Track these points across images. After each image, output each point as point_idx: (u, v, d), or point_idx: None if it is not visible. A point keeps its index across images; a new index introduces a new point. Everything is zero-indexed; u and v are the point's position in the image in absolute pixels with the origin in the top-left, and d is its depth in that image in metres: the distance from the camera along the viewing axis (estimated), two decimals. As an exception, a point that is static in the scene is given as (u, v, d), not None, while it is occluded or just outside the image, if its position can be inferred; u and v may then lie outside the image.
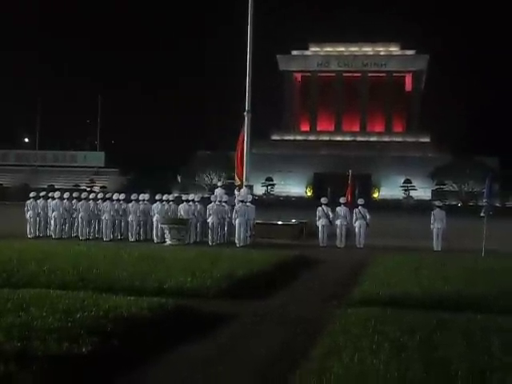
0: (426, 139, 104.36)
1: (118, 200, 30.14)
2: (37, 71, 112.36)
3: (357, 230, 29.17)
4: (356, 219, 29.20)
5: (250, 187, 34.28)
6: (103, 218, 29.63)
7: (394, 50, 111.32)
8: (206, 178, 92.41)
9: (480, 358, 8.49)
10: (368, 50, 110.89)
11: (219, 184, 35.01)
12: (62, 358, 8.06)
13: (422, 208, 60.56)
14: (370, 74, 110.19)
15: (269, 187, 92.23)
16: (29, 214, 30.02)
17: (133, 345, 9.55)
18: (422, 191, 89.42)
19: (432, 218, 28.45)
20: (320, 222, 29.51)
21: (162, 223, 28.28)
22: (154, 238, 28.90)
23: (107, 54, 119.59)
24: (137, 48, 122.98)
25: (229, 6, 66.24)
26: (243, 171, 32.23)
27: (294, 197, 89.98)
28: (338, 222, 29.30)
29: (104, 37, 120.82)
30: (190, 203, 29.34)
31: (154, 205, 29.62)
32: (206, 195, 39.06)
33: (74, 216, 30.14)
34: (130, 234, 29.45)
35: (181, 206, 29.26)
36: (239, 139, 32.85)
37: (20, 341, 8.33)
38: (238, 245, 27.42)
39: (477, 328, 10.22)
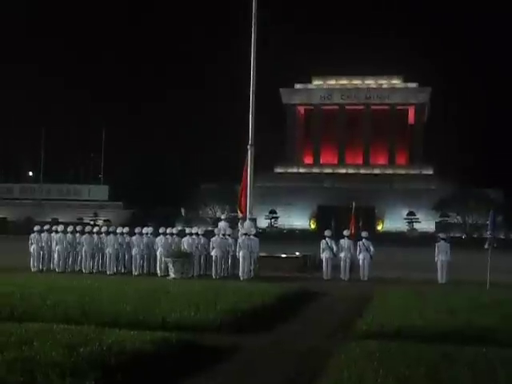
0: (430, 171, 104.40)
1: (122, 233, 30.13)
2: (41, 105, 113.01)
3: (361, 262, 29.07)
4: (360, 252, 29.12)
5: (254, 220, 34.18)
6: (107, 251, 29.59)
7: (397, 82, 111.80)
8: (210, 211, 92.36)
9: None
10: (371, 82, 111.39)
11: (223, 217, 34.94)
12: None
13: (427, 240, 60.45)
14: (372, 107, 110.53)
15: (272, 220, 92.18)
16: (32, 248, 30.01)
17: (136, 379, 9.49)
18: (426, 223, 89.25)
19: (436, 250, 28.36)
20: (324, 255, 29.42)
21: (165, 256, 28.23)
22: (158, 271, 28.81)
23: (110, 88, 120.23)
24: (141, 82, 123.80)
25: (232, 39, 66.72)
26: (246, 204, 32.21)
27: (297, 229, 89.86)
28: (341, 255, 29.21)
29: (108, 69, 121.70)
30: (194, 236, 29.30)
31: (158, 238, 29.58)
32: (210, 228, 38.99)
33: (78, 249, 30.10)
34: (133, 268, 29.38)
35: (184, 239, 29.22)
36: (243, 172, 32.88)
37: (23, 375, 8.30)
38: (241, 278, 27.33)
39: (483, 361, 10.15)
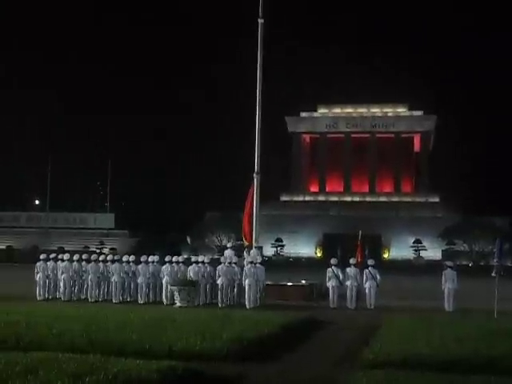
0: (436, 199, 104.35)
1: (128, 262, 30.13)
2: (46, 134, 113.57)
3: (367, 290, 28.98)
4: (366, 280, 29.03)
5: (260, 248, 34.17)
6: (112, 279, 29.56)
7: (402, 110, 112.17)
8: (216, 240, 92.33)
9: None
10: (376, 111, 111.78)
11: (229, 245, 34.93)
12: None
13: (433, 268, 60.25)
14: (378, 135, 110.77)
15: (278, 248, 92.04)
16: (38, 276, 30.00)
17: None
18: (432, 251, 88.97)
19: (443, 278, 28.26)
20: (330, 283, 29.33)
21: (171, 285, 28.18)
22: (164, 299, 28.74)
23: (116, 118, 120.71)
24: (144, 111, 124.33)
25: (238, 67, 67.15)
26: (252, 232, 32.19)
27: (303, 257, 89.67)
28: (348, 283, 29.13)
29: (113, 100, 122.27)
30: (200, 265, 29.27)
31: (164, 266, 29.56)
32: (216, 256, 38.96)
33: (84, 278, 30.07)
34: (139, 296, 29.32)
35: (190, 267, 29.18)
36: (247, 200, 32.92)
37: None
38: (247, 306, 27.24)
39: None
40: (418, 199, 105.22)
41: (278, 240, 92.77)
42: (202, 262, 29.44)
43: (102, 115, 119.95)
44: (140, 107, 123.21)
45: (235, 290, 28.99)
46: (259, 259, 29.48)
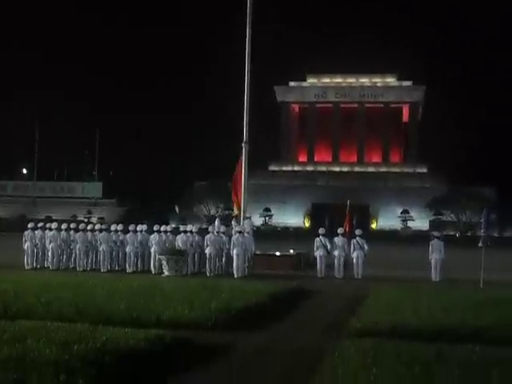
0: (424, 170, 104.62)
1: (116, 231, 30.11)
2: (34, 101, 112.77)
3: (355, 260, 29.10)
4: (354, 250, 29.15)
5: (249, 218, 34.15)
6: (101, 249, 29.55)
7: (391, 81, 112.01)
8: (204, 209, 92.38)
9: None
10: (365, 81, 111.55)
11: (218, 214, 35.00)
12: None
13: (420, 238, 60.55)
14: (367, 105, 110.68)
15: (266, 218, 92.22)
16: (26, 245, 29.96)
17: (130, 377, 9.47)
18: (420, 222, 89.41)
19: (430, 248, 28.40)
20: (318, 253, 29.43)
21: (159, 254, 28.21)
22: (152, 269, 28.78)
23: (104, 82, 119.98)
24: (134, 75, 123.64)
25: (227, 37, 66.66)
26: (240, 202, 32.20)
27: (291, 227, 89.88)
28: (335, 253, 29.24)
29: (102, 64, 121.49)
30: (188, 234, 29.29)
31: (152, 236, 29.57)
32: (204, 226, 38.97)
33: (72, 247, 30.06)
34: (127, 265, 29.36)
35: (178, 236, 29.20)
36: (236, 169, 32.88)
37: (16, 373, 8.28)
38: (235, 276, 27.32)
39: (476, 359, 10.16)
40: (406, 169, 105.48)
41: (267, 210, 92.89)
42: (190, 232, 29.47)
43: (90, 80, 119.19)
44: (130, 76, 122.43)
45: (223, 259, 29.06)
46: (248, 229, 29.51)
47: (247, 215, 31.92)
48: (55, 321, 12.73)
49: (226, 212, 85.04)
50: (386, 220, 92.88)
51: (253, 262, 29.38)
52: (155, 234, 29.59)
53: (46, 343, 9.99)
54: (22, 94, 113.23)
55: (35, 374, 8.34)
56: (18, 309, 14.30)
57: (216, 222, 31.24)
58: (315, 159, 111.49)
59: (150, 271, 28.55)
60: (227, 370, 10.79)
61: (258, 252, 31.18)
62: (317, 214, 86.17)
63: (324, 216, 49.20)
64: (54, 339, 10.37)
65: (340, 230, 30.13)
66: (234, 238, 28.48)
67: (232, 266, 28.19)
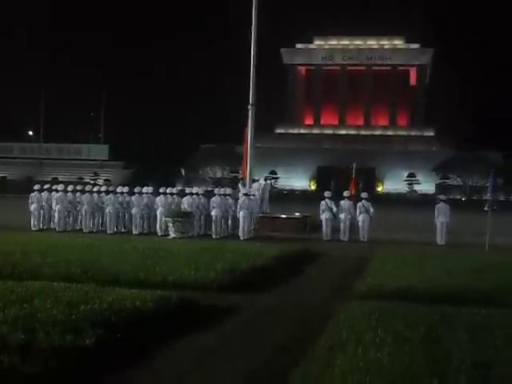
0: (431, 133, 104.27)
1: (122, 193, 30.13)
2: (40, 64, 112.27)
3: (360, 223, 29.13)
4: (360, 213, 29.16)
5: (254, 180, 34.26)
6: (107, 210, 29.61)
7: (399, 43, 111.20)
8: (210, 172, 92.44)
9: (483, 352, 8.48)
10: (373, 43, 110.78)
11: (257, 178, 35.10)
12: (65, 350, 8.07)
13: (426, 202, 60.56)
14: (374, 68, 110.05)
15: (273, 180, 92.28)
16: (33, 207, 30.03)
17: (136, 337, 9.56)
18: (426, 185, 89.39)
19: (436, 212, 28.40)
20: (324, 216, 29.46)
21: (165, 216, 28.25)
22: (158, 230, 28.86)
23: (111, 45, 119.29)
24: (141, 39, 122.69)
25: (233, -1, 66.11)
26: (247, 164, 32.26)
27: (297, 190, 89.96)
28: (341, 216, 29.26)
29: (108, 26, 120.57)
30: (194, 196, 29.31)
31: (158, 198, 29.59)
32: (210, 188, 39.04)
33: (78, 209, 30.12)
34: (133, 227, 29.43)
35: (184, 199, 29.22)
36: (245, 133, 32.85)
37: (24, 333, 8.36)
38: (241, 238, 27.43)
39: (480, 322, 10.22)
40: (412, 133, 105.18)
41: (273, 172, 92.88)
42: (197, 194, 29.49)
43: (98, 43, 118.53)
44: (137, 38, 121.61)
45: (229, 221, 29.14)
46: (254, 191, 29.58)
47: (257, 178, 32.02)
48: (62, 281, 12.81)
49: (232, 174, 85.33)
50: (392, 183, 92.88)
51: (258, 225, 29.47)
52: (161, 196, 29.61)
53: (53, 303, 10.07)
54: (28, 56, 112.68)
55: (42, 333, 8.41)
56: (25, 270, 14.38)
57: (255, 185, 31.66)
58: (322, 122, 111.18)
59: (156, 233, 28.62)
60: (233, 331, 10.87)
61: (263, 214, 31.31)
62: (323, 177, 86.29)
63: (330, 179, 49.32)
64: (61, 299, 10.45)
65: (346, 193, 30.14)
66: (240, 200, 28.53)
67: (238, 229, 28.29)
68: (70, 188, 30.52)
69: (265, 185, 34.57)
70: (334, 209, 29.37)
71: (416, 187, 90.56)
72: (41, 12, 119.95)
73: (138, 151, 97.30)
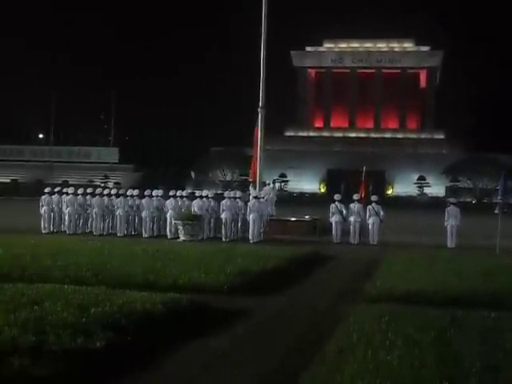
0: (441, 136, 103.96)
1: (132, 196, 30.20)
2: (51, 67, 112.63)
3: (370, 226, 29.09)
4: (370, 216, 29.12)
5: (264, 183, 34.29)
6: (117, 213, 29.68)
7: (409, 46, 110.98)
8: (220, 175, 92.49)
9: (493, 354, 8.47)
10: (382, 46, 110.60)
11: (267, 182, 35.20)
12: (76, 353, 8.10)
13: (436, 205, 60.41)
14: (384, 71, 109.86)
15: (282, 183, 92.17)
16: (43, 210, 30.14)
17: (146, 340, 9.57)
18: (436, 188, 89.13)
19: (446, 214, 28.34)
20: (333, 219, 29.45)
21: (175, 219, 28.29)
22: (168, 233, 28.91)
23: (121, 48, 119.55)
24: (152, 46, 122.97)
25: (243, 1, 66.21)
26: (256, 167, 32.27)
27: (307, 193, 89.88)
28: (351, 219, 29.24)
29: (117, 28, 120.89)
30: (204, 199, 29.37)
31: (168, 201, 29.65)
32: (220, 191, 39.08)
33: (88, 212, 30.21)
34: (143, 230, 29.49)
35: (194, 201, 29.29)
36: (255, 136, 32.87)
37: (35, 335, 8.38)
38: (251, 241, 27.44)
39: (490, 325, 10.19)
40: (422, 136, 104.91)
41: (282, 175, 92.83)
42: (206, 197, 29.54)
43: (107, 47, 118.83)
44: (148, 43, 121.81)
45: (239, 224, 29.16)
46: (270, 195, 29.64)
47: (267, 182, 32.08)
48: (72, 284, 12.85)
49: (242, 178, 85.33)
50: (402, 186, 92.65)
51: (268, 228, 29.48)
52: (171, 199, 29.68)
53: (63, 306, 10.10)
54: (38, 58, 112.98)
55: (53, 336, 8.44)
56: (36, 272, 14.43)
57: (266, 189, 31.79)
58: (331, 125, 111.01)
59: (166, 236, 28.68)
60: (243, 334, 10.88)
61: (273, 217, 31.32)
62: (332, 180, 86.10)
63: (340, 182, 49.09)
64: (72, 302, 10.48)
65: (356, 196, 30.13)
66: (250, 203, 28.56)
67: (248, 231, 28.30)
68: (80, 191, 30.62)
69: (272, 188, 34.74)
70: (344, 212, 29.36)
71: (426, 190, 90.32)
72: (42, 12, 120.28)
73: (148, 154, 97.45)
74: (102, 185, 69.33)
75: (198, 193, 30.68)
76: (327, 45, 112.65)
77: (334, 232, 29.40)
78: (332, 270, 19.69)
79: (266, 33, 33.41)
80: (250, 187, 31.83)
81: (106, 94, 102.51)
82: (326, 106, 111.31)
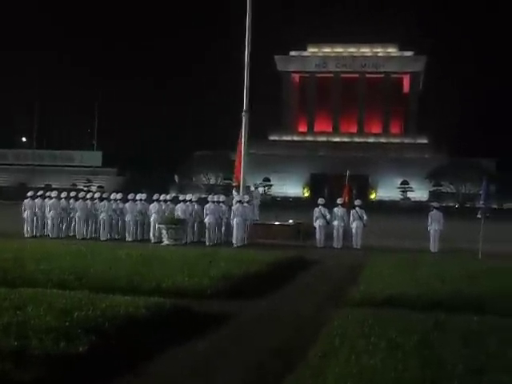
0: (424, 140, 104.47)
1: (116, 200, 30.13)
2: (35, 70, 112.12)
3: (354, 230, 29.16)
4: (353, 220, 29.20)
5: (248, 187, 34.29)
6: (100, 217, 29.60)
7: (392, 51, 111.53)
8: (204, 178, 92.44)
9: (476, 358, 8.50)
10: (366, 51, 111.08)
11: (251, 186, 35.39)
12: (58, 357, 8.07)
13: (419, 209, 60.63)
14: (367, 75, 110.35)
15: (266, 188, 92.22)
16: (26, 214, 30.00)
17: (129, 344, 9.55)
18: (419, 192, 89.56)
19: (429, 219, 28.45)
20: (317, 223, 29.50)
21: (159, 223, 28.26)
22: (151, 237, 28.85)
23: (103, 47, 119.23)
24: (135, 47, 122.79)
25: (227, 6, 66.25)
26: (240, 171, 32.27)
27: (291, 197, 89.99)
28: (335, 223, 29.31)
29: (102, 32, 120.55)
30: (188, 203, 29.34)
31: (152, 205, 29.61)
32: (203, 195, 39.07)
33: (71, 215, 30.11)
34: (127, 234, 29.42)
35: (178, 205, 29.26)
36: (239, 140, 32.89)
37: (17, 339, 8.34)
38: (235, 245, 27.43)
39: (473, 329, 10.24)
40: (406, 140, 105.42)
41: (266, 179, 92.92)
42: (190, 201, 29.52)
43: (91, 49, 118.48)
44: (128, 40, 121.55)
45: (223, 228, 29.15)
46: (247, 199, 29.59)
47: (252, 186, 32.12)
48: (55, 288, 12.80)
49: (226, 181, 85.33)
50: (386, 191, 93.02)
51: (252, 232, 29.48)
52: (155, 202, 29.63)
53: (46, 310, 10.05)
54: (21, 59, 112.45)
55: (36, 340, 8.40)
56: (18, 276, 14.34)
57: (255, 192, 31.92)
58: (315, 129, 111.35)
59: (150, 240, 28.62)
60: (226, 338, 10.87)
61: (256, 222, 31.33)
62: (316, 184, 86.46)
63: (323, 186, 49.34)
64: (55, 306, 10.43)
65: (339, 201, 30.21)
66: (234, 207, 28.56)
67: (231, 236, 28.30)
68: (63, 195, 30.52)
69: (254, 192, 34.87)
70: (328, 216, 29.41)
71: (409, 194, 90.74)
72: (36, 10, 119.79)
73: (131, 158, 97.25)
74: (86, 188, 69.11)
75: (181, 197, 30.64)
76: (311, 49, 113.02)
77: (317, 236, 29.45)
78: (316, 275, 19.71)
79: (251, 37, 33.44)
80: (234, 191, 31.81)
81: (90, 96, 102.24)
82: (309, 111, 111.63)
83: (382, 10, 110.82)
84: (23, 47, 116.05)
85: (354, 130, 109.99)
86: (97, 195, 31.09)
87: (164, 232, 27.63)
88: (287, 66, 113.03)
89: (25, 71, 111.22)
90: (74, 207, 29.96)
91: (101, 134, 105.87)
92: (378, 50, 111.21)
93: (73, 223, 30.16)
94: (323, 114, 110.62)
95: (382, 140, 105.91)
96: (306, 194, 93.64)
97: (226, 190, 33.29)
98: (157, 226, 28.51)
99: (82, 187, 79.40)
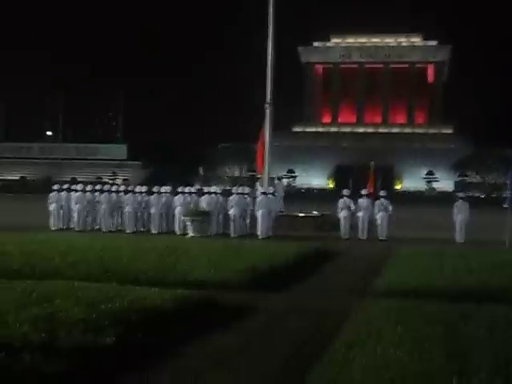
0: (449, 130, 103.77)
1: (141, 192, 30.24)
2: (60, 64, 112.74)
3: (379, 221, 29.06)
4: (378, 211, 29.09)
5: (272, 179, 34.27)
6: (125, 210, 29.74)
7: (417, 40, 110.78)
8: (228, 170, 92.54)
9: (504, 349, 8.45)
10: (390, 41, 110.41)
11: (277, 178, 35.45)
12: (87, 349, 8.13)
13: (445, 199, 60.30)
14: (392, 66, 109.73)
15: (290, 179, 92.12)
16: (52, 207, 30.22)
17: (157, 336, 9.60)
18: (445, 183, 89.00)
19: (455, 209, 28.30)
20: (342, 214, 29.43)
21: (183, 215, 28.32)
22: (176, 230, 28.94)
23: (130, 47, 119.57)
24: (160, 44, 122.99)
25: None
26: (264, 163, 32.26)
27: (315, 189, 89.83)
28: (360, 214, 29.22)
29: (124, 28, 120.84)
30: (212, 195, 29.38)
31: (176, 197, 29.68)
32: (228, 187, 39.09)
33: (97, 208, 30.27)
34: (152, 227, 29.53)
35: (202, 198, 29.30)
36: (261, 131, 32.88)
37: (45, 332, 8.41)
38: (259, 237, 27.43)
39: (500, 320, 10.17)
40: (431, 130, 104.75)
41: (290, 171, 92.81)
42: (215, 193, 29.55)
43: (116, 43, 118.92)
44: (153, 37, 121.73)
45: (247, 220, 29.16)
46: (271, 190, 29.60)
47: (277, 177, 32.11)
48: (82, 281, 12.87)
49: (249, 173, 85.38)
50: (411, 181, 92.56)
51: (277, 223, 29.47)
52: (179, 195, 29.70)
53: (74, 303, 10.11)
54: (46, 56, 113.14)
55: (64, 332, 8.47)
56: (45, 269, 14.44)
57: (279, 185, 32.04)
58: (339, 120, 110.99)
59: (175, 232, 28.71)
60: (253, 330, 10.89)
61: (281, 213, 31.33)
62: (341, 176, 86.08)
63: (348, 177, 49.10)
64: (82, 299, 10.49)
65: (364, 191, 30.11)
66: (258, 199, 28.56)
67: (256, 227, 28.30)
68: (88, 188, 30.68)
69: (279, 184, 34.83)
70: (353, 207, 29.33)
71: (435, 185, 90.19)
72: (62, 8, 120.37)
73: (156, 151, 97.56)
74: (111, 182, 69.46)
75: (206, 189, 30.71)
76: (334, 40, 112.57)
77: (342, 227, 29.38)
78: (341, 266, 19.67)
79: (274, 29, 33.37)
80: (257, 183, 31.81)
81: (115, 90, 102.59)
82: (333, 102, 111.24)
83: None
84: (48, 43, 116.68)
85: (378, 120, 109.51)
86: (122, 188, 31.23)
87: (189, 224, 27.69)
88: (310, 57, 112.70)
89: (51, 66, 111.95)
90: (100, 200, 30.11)
91: (126, 128, 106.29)
92: (402, 40, 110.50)
93: (98, 216, 30.31)
94: (347, 104, 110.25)
95: (407, 130, 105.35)
96: (331, 185, 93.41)
97: (251, 182, 33.22)
98: (182, 218, 28.57)
99: (107, 180, 79.78)
